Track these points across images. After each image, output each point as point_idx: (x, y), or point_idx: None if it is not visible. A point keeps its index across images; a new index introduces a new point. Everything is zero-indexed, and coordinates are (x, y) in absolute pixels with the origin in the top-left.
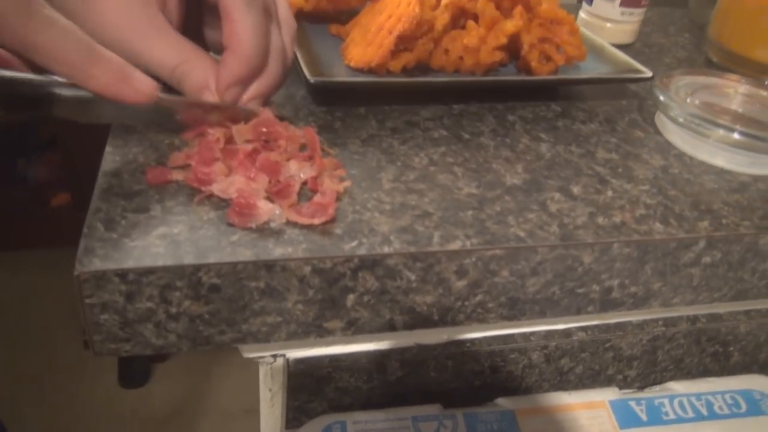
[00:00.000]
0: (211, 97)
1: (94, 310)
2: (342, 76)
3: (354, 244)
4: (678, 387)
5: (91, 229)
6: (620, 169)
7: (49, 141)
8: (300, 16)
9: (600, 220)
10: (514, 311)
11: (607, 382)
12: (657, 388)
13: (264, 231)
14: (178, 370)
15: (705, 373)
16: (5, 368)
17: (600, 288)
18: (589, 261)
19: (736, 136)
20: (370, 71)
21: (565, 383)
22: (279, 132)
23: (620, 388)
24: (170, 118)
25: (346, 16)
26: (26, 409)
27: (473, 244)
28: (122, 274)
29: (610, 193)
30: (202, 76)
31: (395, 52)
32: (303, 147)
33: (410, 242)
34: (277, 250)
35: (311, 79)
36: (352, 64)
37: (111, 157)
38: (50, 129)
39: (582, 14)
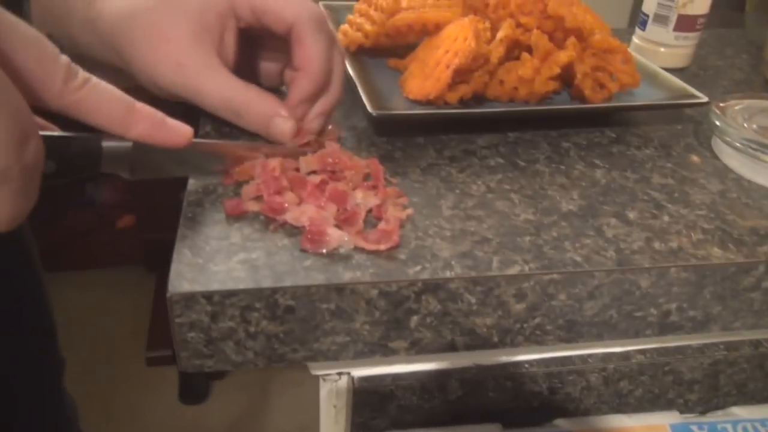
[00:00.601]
0: (283, 124)
1: (182, 329)
2: (401, 109)
3: (417, 268)
4: (741, 412)
5: (180, 254)
6: (676, 194)
7: None
8: (360, 51)
9: (656, 244)
10: (572, 334)
11: (667, 405)
12: (720, 413)
13: (334, 256)
14: (236, 387)
15: (765, 399)
16: (73, 384)
17: (658, 312)
18: (646, 285)
19: None
20: (429, 103)
21: (624, 406)
22: (345, 162)
23: (681, 412)
24: (213, 162)
25: (403, 50)
26: (92, 423)
27: (531, 269)
28: (208, 296)
29: (666, 218)
30: (267, 106)
31: (452, 85)
32: (367, 177)
33: (470, 267)
34: (346, 274)
35: (373, 113)
36: (411, 96)
37: (193, 188)
38: None
39: (635, 39)
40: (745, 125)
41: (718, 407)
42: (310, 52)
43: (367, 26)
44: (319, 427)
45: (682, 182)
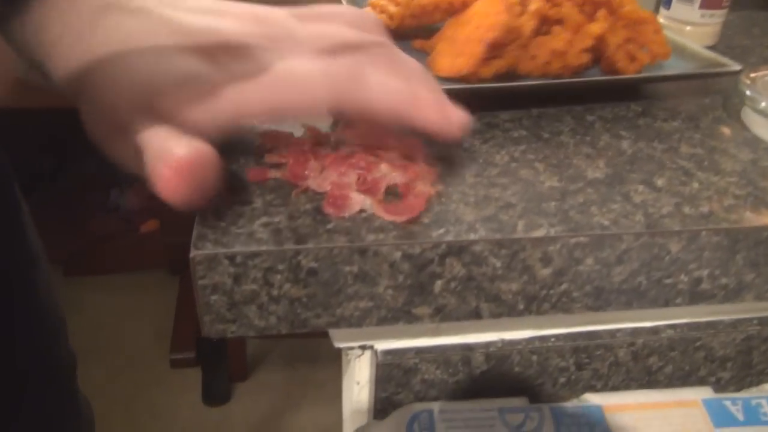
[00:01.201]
0: None
1: (205, 291)
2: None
3: (441, 231)
4: None
5: (203, 218)
6: (706, 163)
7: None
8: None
9: (686, 209)
10: (600, 301)
11: (698, 383)
12: (754, 389)
13: (356, 219)
14: (258, 389)
15: None
16: (97, 386)
17: (689, 278)
18: (676, 250)
19: None
20: (461, 80)
21: (653, 383)
22: (387, 141)
23: (714, 390)
24: None
25: (425, 33)
26: (116, 425)
27: (557, 232)
28: (231, 257)
29: (696, 184)
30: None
31: (486, 60)
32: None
33: (495, 230)
34: (369, 236)
35: None
36: (442, 73)
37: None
38: None
39: (660, 19)
40: None
41: (752, 386)
42: None
43: (392, 8)
44: (342, 429)
45: (712, 152)
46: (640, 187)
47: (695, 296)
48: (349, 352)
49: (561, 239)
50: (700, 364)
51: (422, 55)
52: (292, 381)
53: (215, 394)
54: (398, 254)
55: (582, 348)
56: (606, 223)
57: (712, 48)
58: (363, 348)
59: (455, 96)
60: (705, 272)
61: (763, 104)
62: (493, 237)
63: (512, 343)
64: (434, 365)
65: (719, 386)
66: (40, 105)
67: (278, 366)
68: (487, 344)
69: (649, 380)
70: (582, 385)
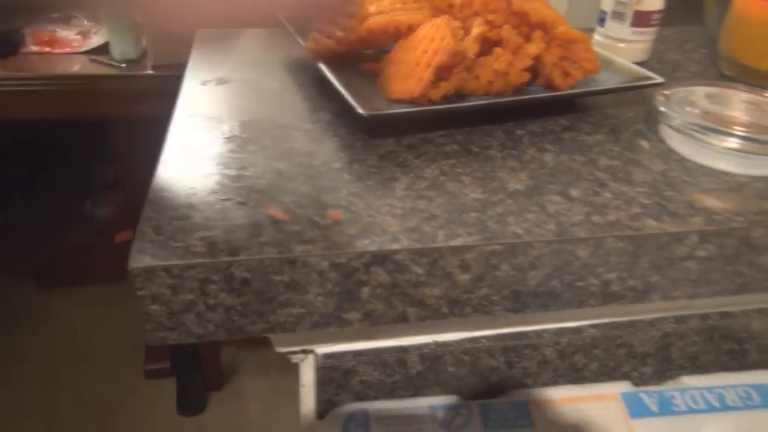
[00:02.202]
0: None
1: (145, 301)
2: (386, 110)
3: (366, 241)
4: (691, 381)
5: (142, 233)
6: (620, 174)
7: (113, 182)
8: (333, 56)
9: (595, 218)
10: (518, 304)
11: (622, 378)
12: (671, 383)
13: (289, 233)
14: (233, 398)
15: (722, 370)
16: (72, 397)
17: (599, 281)
18: (584, 255)
19: (734, 139)
20: (412, 102)
21: (580, 380)
22: None
23: (636, 384)
24: None
25: (376, 54)
26: None
27: (474, 241)
28: (167, 269)
29: (607, 194)
30: None
31: (434, 82)
32: None
33: (416, 240)
34: (298, 248)
35: (365, 114)
36: (394, 96)
37: (163, 176)
38: (113, 171)
39: (596, 36)
40: (688, 109)
41: (670, 379)
42: None
43: (339, 32)
44: None
45: (627, 163)
46: (556, 198)
47: (606, 297)
48: (292, 356)
49: (477, 247)
50: (623, 361)
51: (371, 80)
52: (267, 389)
53: (190, 403)
54: (326, 264)
55: (511, 348)
56: (520, 231)
57: (643, 63)
58: (305, 352)
59: (409, 119)
60: (613, 275)
61: (675, 119)
62: (414, 246)
63: (445, 344)
64: (372, 367)
65: (641, 380)
66: (14, 116)
67: (253, 375)
68: (421, 346)
69: (576, 377)
70: (513, 382)
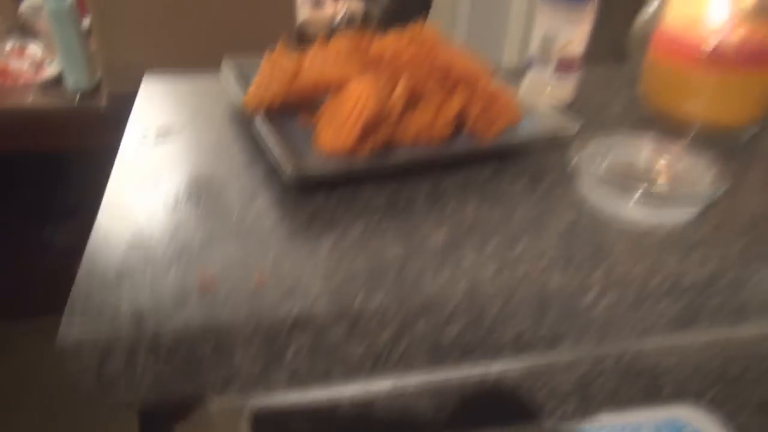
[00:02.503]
0: None
1: (75, 373)
2: (318, 163)
3: (290, 305)
4: (606, 418)
5: (71, 306)
6: (534, 226)
7: (73, 209)
8: (271, 109)
9: (506, 273)
10: (437, 357)
11: (547, 416)
12: (588, 420)
13: (214, 299)
14: (197, 428)
15: (639, 404)
16: (34, 430)
17: (511, 333)
18: (494, 310)
19: (638, 190)
20: (343, 156)
21: (503, 419)
22: None
23: (558, 421)
24: None
25: (312, 106)
26: None
27: (390, 301)
28: (95, 342)
29: (519, 248)
30: None
31: (362, 138)
32: None
33: (337, 301)
34: (224, 313)
35: (293, 175)
36: (326, 150)
37: (96, 241)
38: (73, 198)
39: (524, 81)
40: (599, 159)
41: (591, 415)
42: None
43: (274, 86)
44: None
45: (542, 214)
46: (471, 254)
47: (519, 348)
48: (226, 412)
49: (393, 308)
50: (545, 400)
51: (307, 131)
52: (237, 418)
53: None
54: (250, 329)
55: (440, 391)
56: (434, 290)
57: (570, 105)
58: (238, 407)
59: (336, 176)
60: (524, 326)
61: (586, 170)
62: (335, 308)
63: (375, 392)
64: (305, 417)
65: (565, 418)
66: None
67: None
68: (352, 395)
69: (499, 416)
70: (442, 425)
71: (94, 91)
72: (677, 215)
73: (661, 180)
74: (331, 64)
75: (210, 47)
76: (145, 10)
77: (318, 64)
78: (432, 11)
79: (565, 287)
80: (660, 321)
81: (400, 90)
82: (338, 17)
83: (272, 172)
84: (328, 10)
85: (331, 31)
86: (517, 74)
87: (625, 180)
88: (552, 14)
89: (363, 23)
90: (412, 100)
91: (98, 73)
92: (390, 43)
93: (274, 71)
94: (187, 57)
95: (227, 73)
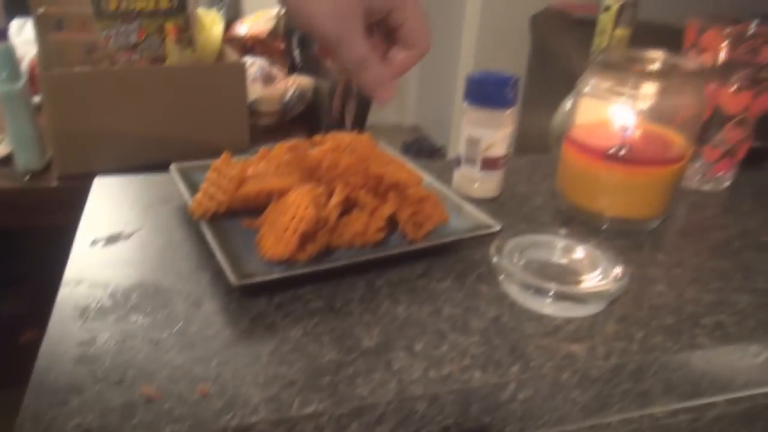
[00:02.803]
0: (389, 92)
1: None
2: (260, 268)
3: (229, 416)
4: None
5: (21, 426)
6: (459, 323)
7: (18, 278)
8: (215, 216)
9: (432, 373)
10: None
11: None
12: None
13: (158, 413)
14: None
15: None
16: None
17: (437, 428)
18: (422, 408)
19: (552, 289)
20: (282, 263)
21: None
22: None
23: None
24: None
25: (256, 209)
26: None
27: (325, 407)
28: None
29: (445, 347)
30: (379, 75)
31: (301, 245)
32: None
33: (274, 410)
34: (167, 428)
35: (236, 283)
36: (266, 257)
37: (46, 356)
38: (19, 266)
39: (455, 175)
40: (515, 258)
41: None
42: (426, 35)
43: (220, 195)
44: None
45: (467, 311)
46: (401, 354)
47: None
48: None
49: (328, 412)
50: None
51: (252, 233)
52: None
53: None
54: None
55: None
56: (365, 393)
57: (495, 199)
58: None
59: (277, 283)
60: (450, 421)
61: (504, 268)
62: (271, 417)
63: None
64: None
65: None
66: None
67: None
68: None
69: None
70: None
71: (45, 171)
72: (586, 310)
73: (572, 277)
74: (272, 174)
75: (163, 127)
76: (98, 92)
77: (260, 173)
78: None
79: (485, 383)
80: (574, 409)
81: (336, 199)
82: (289, 94)
83: (218, 278)
84: (279, 86)
85: (283, 108)
86: (448, 169)
87: (540, 277)
88: (475, 118)
89: (313, 99)
90: (348, 207)
91: (49, 153)
92: (327, 151)
93: (219, 179)
94: (140, 140)
95: (175, 177)
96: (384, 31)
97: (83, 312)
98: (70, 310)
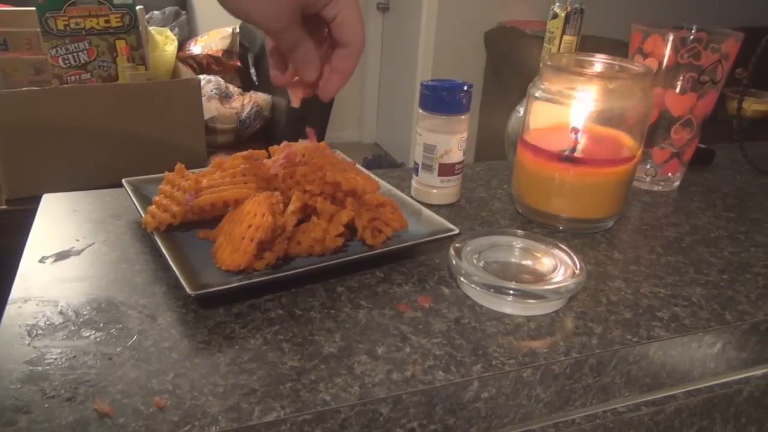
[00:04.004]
0: (314, 72)
1: None
2: (216, 279)
3: (186, 428)
4: None
5: None
6: (421, 326)
7: None
8: (169, 228)
9: (394, 375)
10: None
11: None
12: None
13: (113, 427)
14: None
15: None
16: None
17: (403, 430)
18: (386, 411)
19: (511, 288)
20: (240, 272)
21: None
22: None
23: None
24: None
25: (211, 220)
26: None
27: (286, 413)
28: None
29: (408, 349)
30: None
31: (258, 254)
32: None
33: (234, 419)
34: None
35: (193, 293)
36: (223, 267)
37: None
38: None
39: (413, 183)
40: (475, 260)
41: None
42: (360, 32)
43: (174, 207)
44: None
45: (428, 314)
46: (364, 358)
47: None
48: None
49: (290, 419)
50: None
51: (207, 244)
52: None
53: None
54: None
55: None
56: (328, 398)
57: (455, 204)
58: None
59: (235, 292)
60: (415, 423)
61: (464, 270)
62: (231, 427)
63: None
64: None
65: None
66: None
67: None
68: None
69: None
70: None
71: None
72: (546, 308)
73: (531, 276)
74: (228, 184)
75: (117, 147)
76: (46, 111)
77: (215, 183)
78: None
79: (448, 385)
80: (537, 406)
81: (293, 206)
82: (246, 111)
83: (173, 290)
84: (236, 104)
85: (240, 125)
86: (407, 177)
87: (499, 277)
88: (431, 125)
89: (271, 116)
90: (306, 213)
91: None
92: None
93: (172, 191)
94: (92, 161)
95: (127, 191)
96: (328, 39)
97: (31, 330)
98: (17, 328)
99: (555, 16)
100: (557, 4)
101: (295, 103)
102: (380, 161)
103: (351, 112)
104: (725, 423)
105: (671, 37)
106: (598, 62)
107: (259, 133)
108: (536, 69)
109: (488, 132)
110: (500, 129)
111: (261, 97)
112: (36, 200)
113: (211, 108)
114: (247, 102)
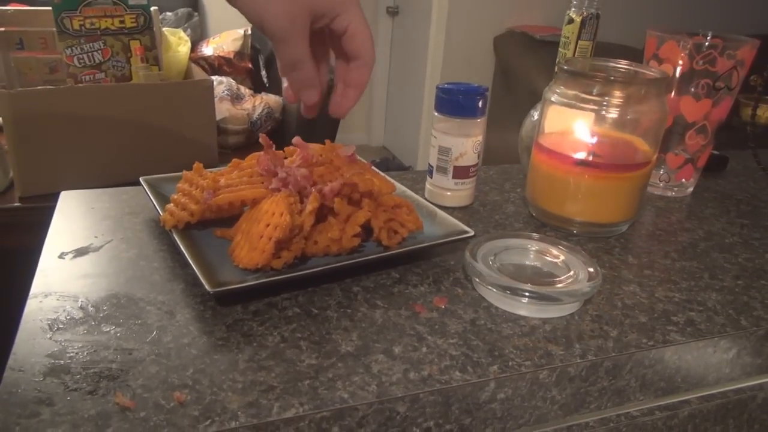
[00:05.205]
0: (314, 95)
1: None
2: (233, 277)
3: (207, 423)
4: None
5: None
6: (437, 326)
7: None
8: (187, 226)
9: (411, 374)
10: None
11: None
12: None
13: (134, 421)
14: None
15: None
16: None
17: (419, 429)
18: (403, 410)
19: (527, 290)
20: (257, 270)
21: None
22: None
23: None
24: None
25: (229, 220)
26: None
27: (305, 410)
28: None
29: (424, 349)
30: (309, 78)
31: (276, 253)
32: None
33: (254, 415)
34: None
35: (211, 291)
36: (241, 265)
37: (14, 368)
38: None
39: (427, 185)
40: (491, 262)
41: None
42: (369, 47)
43: (192, 205)
44: None
45: (444, 314)
46: (381, 357)
47: None
48: None
49: (308, 416)
50: None
51: (224, 242)
52: None
53: None
54: None
55: None
56: (346, 396)
57: (468, 207)
58: None
59: (253, 290)
60: (431, 423)
61: (479, 272)
62: (251, 422)
63: None
64: None
65: None
66: None
67: None
68: None
69: None
70: None
71: (7, 192)
72: (561, 310)
73: (546, 278)
74: (245, 183)
75: (129, 147)
76: (61, 110)
77: (233, 183)
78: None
79: (465, 385)
80: (553, 408)
81: (309, 208)
82: (257, 112)
83: (191, 287)
84: (247, 105)
85: (252, 126)
86: (420, 180)
87: (515, 279)
88: (446, 128)
89: (282, 117)
90: (323, 213)
91: (10, 174)
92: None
93: (191, 190)
94: (105, 160)
95: (145, 190)
96: (338, 50)
97: (52, 324)
98: (38, 322)
99: (571, 21)
100: (573, 9)
101: (310, 114)
102: (388, 164)
103: (359, 115)
104: (738, 429)
105: (687, 44)
106: (614, 67)
107: (270, 134)
108: (545, 74)
109: (496, 136)
110: (509, 133)
111: (272, 99)
112: (49, 198)
113: (222, 109)
114: (258, 103)
